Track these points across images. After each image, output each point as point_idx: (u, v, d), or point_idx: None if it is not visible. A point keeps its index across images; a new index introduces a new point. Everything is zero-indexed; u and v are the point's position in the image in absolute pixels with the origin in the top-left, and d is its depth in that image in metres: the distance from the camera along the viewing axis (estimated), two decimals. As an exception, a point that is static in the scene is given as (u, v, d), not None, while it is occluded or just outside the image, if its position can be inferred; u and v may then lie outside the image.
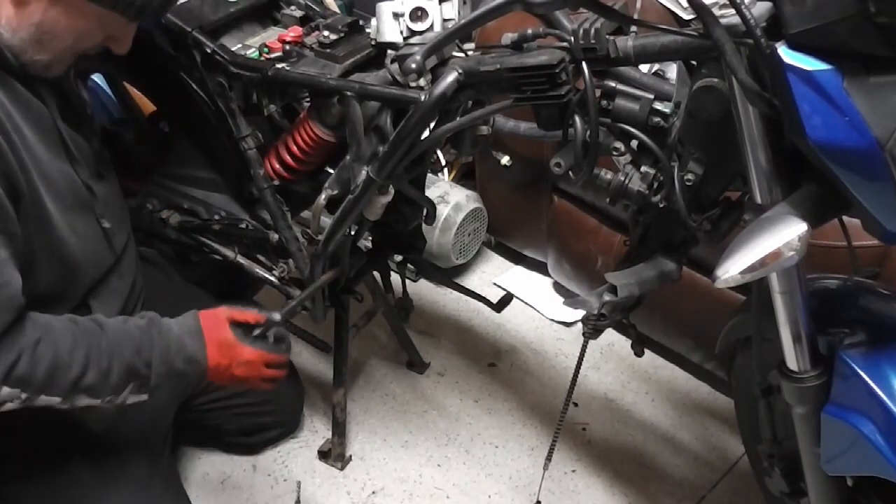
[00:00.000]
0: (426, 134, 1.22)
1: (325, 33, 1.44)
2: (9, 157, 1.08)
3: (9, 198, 1.08)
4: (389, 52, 1.29)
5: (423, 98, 1.15)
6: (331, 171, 1.45)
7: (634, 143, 1.09)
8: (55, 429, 1.32)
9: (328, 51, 1.39)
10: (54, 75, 1.17)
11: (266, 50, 1.45)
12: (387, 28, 1.27)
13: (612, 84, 1.07)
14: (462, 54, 1.27)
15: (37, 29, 1.09)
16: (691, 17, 1.01)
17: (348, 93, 1.29)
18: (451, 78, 1.09)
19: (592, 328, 1.23)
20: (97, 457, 1.36)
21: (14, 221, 1.09)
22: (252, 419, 1.69)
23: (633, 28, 1.03)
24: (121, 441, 1.39)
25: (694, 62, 0.99)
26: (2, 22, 1.07)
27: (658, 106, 1.06)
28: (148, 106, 1.87)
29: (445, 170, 2.32)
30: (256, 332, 1.32)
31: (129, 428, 1.40)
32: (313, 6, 1.57)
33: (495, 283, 2.25)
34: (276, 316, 1.34)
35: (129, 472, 1.37)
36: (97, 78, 1.98)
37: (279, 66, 1.38)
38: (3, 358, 1.05)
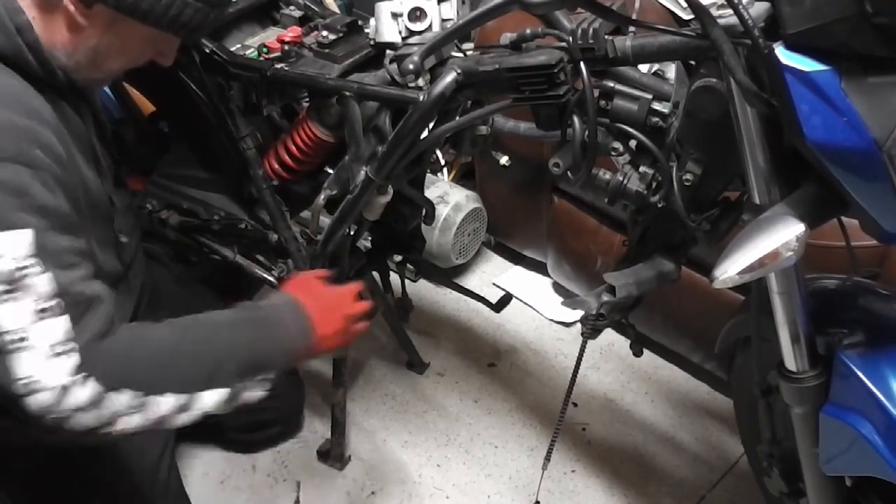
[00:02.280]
0: (425, 134, 1.22)
1: (324, 33, 1.44)
2: (72, 177, 1.07)
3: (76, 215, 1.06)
4: (388, 52, 1.29)
5: (421, 98, 1.15)
6: (330, 171, 1.45)
7: (633, 143, 1.09)
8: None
9: (327, 51, 1.39)
10: (99, 87, 1.18)
11: (265, 50, 1.45)
12: (385, 28, 1.27)
13: (611, 84, 1.07)
14: (461, 54, 1.27)
15: (93, 52, 1.09)
16: (691, 17, 1.01)
17: (347, 93, 1.29)
18: (449, 78, 1.09)
19: (591, 328, 1.23)
20: (99, 457, 1.36)
21: (86, 240, 1.07)
22: (253, 415, 1.68)
23: (632, 28, 1.03)
24: (122, 441, 1.38)
25: (692, 62, 0.99)
26: (57, 46, 1.06)
27: (656, 106, 1.06)
28: (147, 106, 1.87)
29: (445, 170, 2.32)
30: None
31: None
32: (312, 6, 1.57)
33: (495, 284, 2.25)
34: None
35: (130, 473, 1.37)
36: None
37: (278, 66, 1.38)
38: (112, 359, 0.99)
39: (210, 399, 1.06)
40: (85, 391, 0.95)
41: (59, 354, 0.94)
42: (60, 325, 0.94)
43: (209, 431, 1.72)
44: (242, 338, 1.12)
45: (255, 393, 1.12)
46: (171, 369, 1.04)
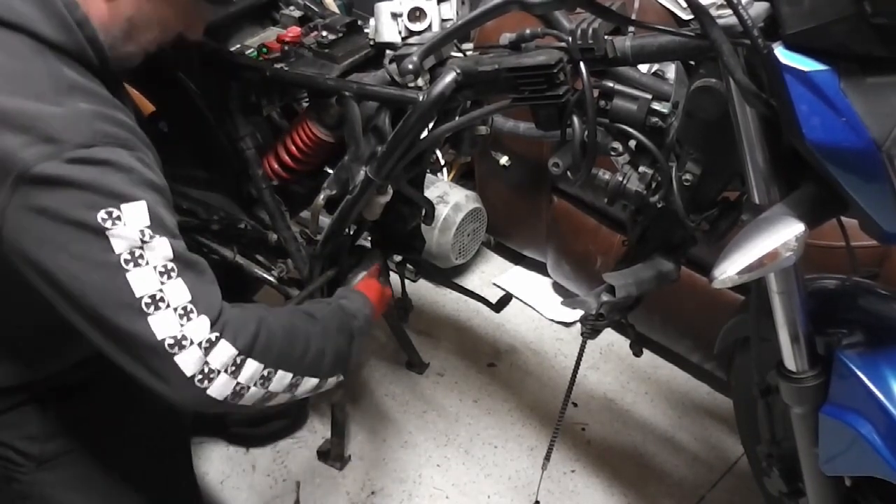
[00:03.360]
0: (425, 134, 1.22)
1: (324, 33, 1.43)
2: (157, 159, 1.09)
3: None
4: (388, 52, 1.29)
5: (421, 98, 1.15)
6: (330, 171, 1.45)
7: (633, 143, 1.09)
8: (87, 405, 1.32)
9: (326, 51, 1.39)
10: (130, 69, 1.18)
11: (265, 50, 1.45)
12: (385, 28, 1.27)
13: (610, 84, 1.07)
14: (460, 54, 1.26)
15: (128, 23, 1.09)
16: (690, 17, 1.01)
17: (346, 93, 1.29)
18: (449, 78, 1.09)
19: (591, 328, 1.23)
20: (115, 453, 1.36)
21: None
22: None
23: (631, 28, 1.03)
24: (140, 436, 1.38)
25: (692, 62, 0.99)
26: (94, 22, 1.06)
27: (656, 106, 1.06)
28: (147, 106, 1.87)
29: (445, 170, 2.32)
30: None
31: (148, 422, 1.40)
32: (312, 6, 1.57)
33: (495, 284, 2.25)
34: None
35: (146, 469, 1.37)
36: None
37: (278, 66, 1.38)
38: (247, 327, 1.03)
39: (310, 385, 1.13)
40: (225, 351, 0.99)
41: (190, 313, 0.97)
42: (185, 287, 0.98)
43: (211, 426, 1.72)
44: (339, 332, 1.21)
45: (336, 380, 1.20)
46: (292, 349, 1.09)
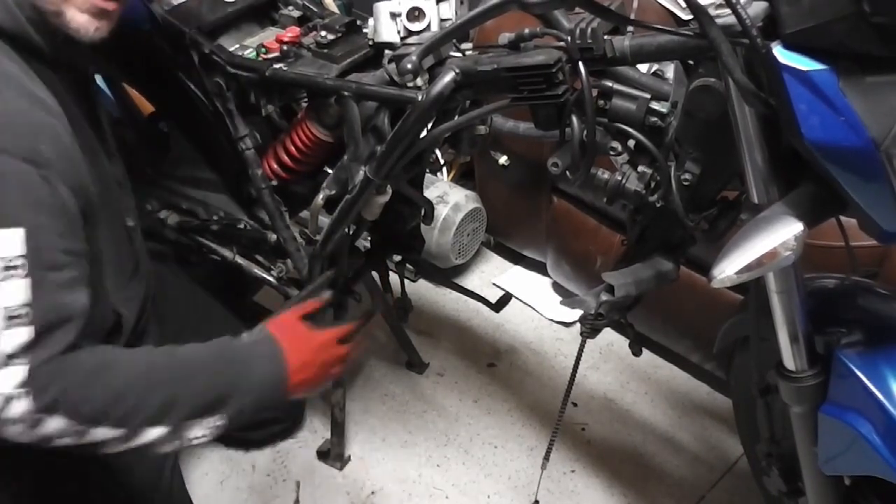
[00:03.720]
0: (424, 134, 1.22)
1: (323, 33, 1.44)
2: (79, 169, 1.04)
3: (81, 213, 1.04)
4: (387, 52, 1.29)
5: (420, 98, 1.15)
6: (329, 171, 1.45)
7: (632, 143, 1.09)
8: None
9: (326, 51, 1.39)
10: (99, 38, 1.09)
11: (264, 50, 1.45)
12: (384, 28, 1.27)
13: (609, 84, 1.07)
14: (459, 54, 1.26)
15: None
16: (690, 17, 1.01)
17: (346, 93, 1.29)
18: (448, 78, 1.09)
19: (590, 328, 1.23)
20: (98, 461, 1.35)
21: (83, 239, 1.05)
22: None
23: (630, 28, 1.02)
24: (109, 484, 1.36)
25: (691, 62, 0.99)
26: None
27: (655, 105, 1.06)
28: (147, 107, 1.87)
29: (444, 170, 2.32)
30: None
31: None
32: (311, 6, 1.57)
33: (494, 284, 2.25)
34: (326, 294, 1.37)
35: (130, 476, 1.37)
36: (97, 79, 1.98)
37: (277, 66, 1.38)
38: (57, 383, 0.97)
39: (153, 434, 1.05)
40: (21, 406, 0.95)
41: (8, 365, 0.93)
42: (22, 336, 0.94)
43: None
44: (208, 380, 1.09)
45: (203, 435, 1.10)
46: (118, 405, 1.02)
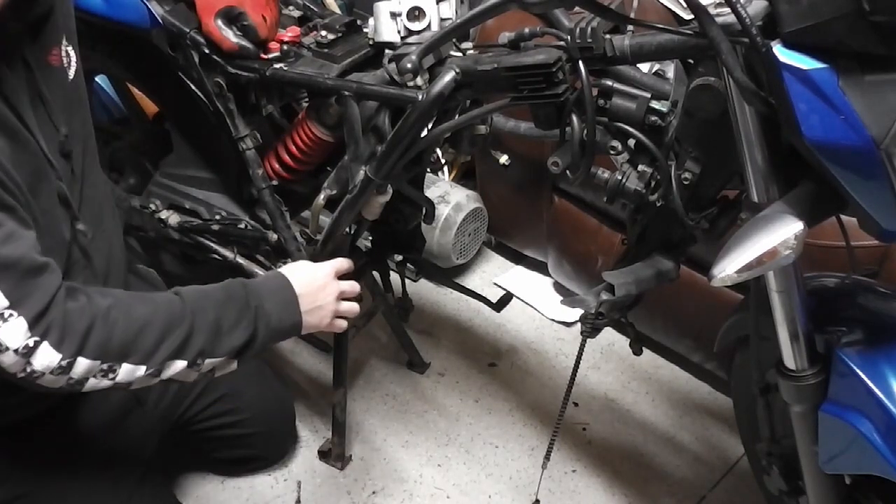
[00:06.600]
0: (424, 133, 1.22)
1: (323, 33, 1.44)
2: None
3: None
4: (387, 51, 1.29)
5: (420, 97, 1.15)
6: (331, 170, 1.45)
7: (632, 142, 1.09)
8: (39, 445, 1.31)
9: (326, 51, 1.39)
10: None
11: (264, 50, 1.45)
12: (384, 28, 1.27)
13: (609, 83, 1.07)
14: (459, 54, 1.27)
15: None
16: (691, 17, 1.01)
17: (346, 92, 1.29)
18: (448, 77, 1.09)
19: (591, 327, 1.23)
20: (79, 477, 1.35)
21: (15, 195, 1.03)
22: (236, 451, 1.68)
23: (630, 27, 1.03)
24: (91, 477, 1.37)
25: (691, 61, 0.99)
26: None
27: (655, 105, 1.06)
28: (151, 107, 1.87)
29: (445, 169, 2.32)
30: None
31: (112, 446, 1.40)
32: (311, 6, 1.57)
33: (495, 283, 2.25)
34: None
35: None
36: (100, 80, 1.99)
37: (277, 66, 1.38)
38: (76, 324, 1.01)
39: (178, 367, 1.10)
40: (46, 355, 0.98)
41: (7, 319, 0.96)
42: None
43: (197, 454, 1.72)
44: (224, 315, 1.14)
45: (228, 366, 1.17)
46: (139, 342, 1.06)
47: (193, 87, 1.46)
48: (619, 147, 1.09)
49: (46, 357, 0.98)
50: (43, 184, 1.12)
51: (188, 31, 1.40)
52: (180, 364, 1.10)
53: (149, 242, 1.81)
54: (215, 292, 1.17)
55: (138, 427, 1.43)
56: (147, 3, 1.42)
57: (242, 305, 1.16)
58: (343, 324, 1.33)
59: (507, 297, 1.80)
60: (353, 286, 1.34)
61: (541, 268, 2.22)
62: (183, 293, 1.15)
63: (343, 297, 1.31)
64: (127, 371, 1.06)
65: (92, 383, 1.04)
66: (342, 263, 1.33)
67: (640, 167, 1.09)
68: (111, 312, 1.05)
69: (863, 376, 0.93)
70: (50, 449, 1.32)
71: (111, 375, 1.05)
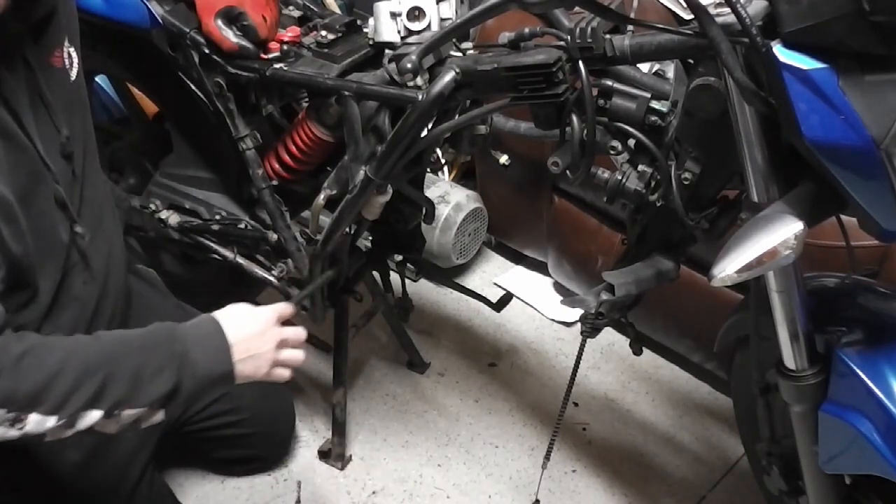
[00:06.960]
0: (424, 133, 1.22)
1: (323, 33, 1.44)
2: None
3: None
4: (387, 51, 1.29)
5: (420, 97, 1.15)
6: (331, 170, 1.45)
7: (632, 142, 1.09)
8: (26, 468, 1.29)
9: (326, 51, 1.39)
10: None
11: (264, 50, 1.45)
12: (384, 28, 1.27)
13: (609, 83, 1.07)
14: (459, 54, 1.27)
15: None
16: (691, 16, 1.01)
17: (346, 92, 1.29)
18: (448, 77, 1.09)
19: (591, 327, 1.23)
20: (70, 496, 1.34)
21: None
22: (235, 451, 1.67)
23: (630, 27, 1.03)
24: (94, 478, 1.36)
25: (691, 61, 0.99)
26: None
27: (655, 105, 1.06)
28: (151, 107, 1.87)
29: (446, 169, 2.32)
30: None
31: (103, 464, 1.38)
32: (311, 6, 1.57)
33: (496, 283, 2.25)
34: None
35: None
36: (100, 80, 1.99)
37: (277, 66, 1.38)
38: None
39: (93, 418, 1.03)
40: None
41: None
42: None
43: (195, 455, 1.72)
44: (146, 363, 1.06)
45: (153, 416, 1.08)
46: (56, 388, 0.99)
47: (193, 87, 1.46)
48: (619, 147, 1.09)
49: None
50: (39, 187, 1.10)
51: (188, 31, 1.40)
52: (96, 414, 1.02)
53: (149, 242, 1.81)
54: (137, 338, 1.10)
55: (133, 436, 1.41)
56: (147, 3, 1.42)
57: (166, 352, 1.08)
58: (285, 373, 1.23)
59: (507, 297, 1.80)
60: (297, 333, 1.25)
61: (541, 268, 2.22)
62: (103, 338, 1.09)
63: (285, 345, 1.23)
64: (36, 421, 0.98)
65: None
66: (285, 309, 1.25)
67: (640, 167, 1.09)
68: (24, 359, 0.98)
69: (863, 376, 0.93)
70: (31, 474, 1.30)
71: (18, 425, 0.97)
